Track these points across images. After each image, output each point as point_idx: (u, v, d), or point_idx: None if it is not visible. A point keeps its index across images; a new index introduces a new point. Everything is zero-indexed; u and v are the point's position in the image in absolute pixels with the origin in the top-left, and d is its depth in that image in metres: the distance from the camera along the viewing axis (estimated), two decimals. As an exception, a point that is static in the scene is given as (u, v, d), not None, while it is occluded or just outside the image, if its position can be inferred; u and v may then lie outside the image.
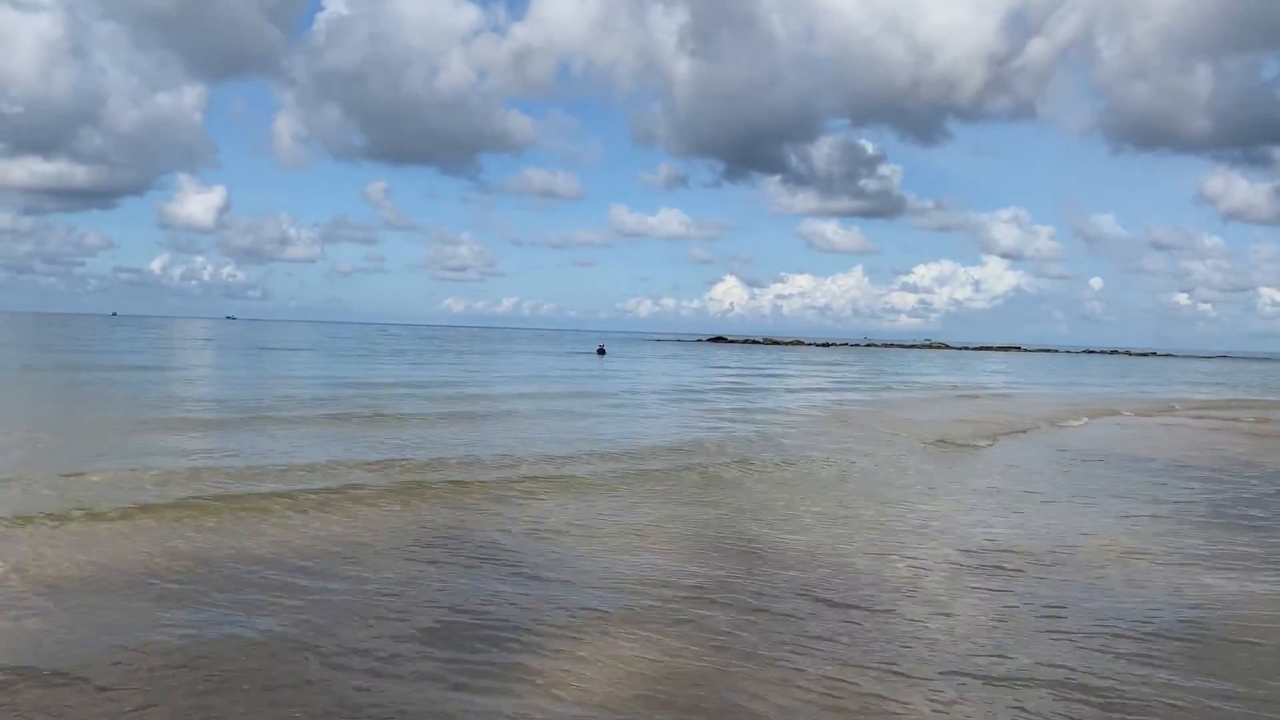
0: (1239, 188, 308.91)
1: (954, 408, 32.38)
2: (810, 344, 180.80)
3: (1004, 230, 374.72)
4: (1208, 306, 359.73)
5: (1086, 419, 29.44)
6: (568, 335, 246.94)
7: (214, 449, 16.38)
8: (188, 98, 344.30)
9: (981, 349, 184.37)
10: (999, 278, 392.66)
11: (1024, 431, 24.98)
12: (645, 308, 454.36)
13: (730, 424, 24.09)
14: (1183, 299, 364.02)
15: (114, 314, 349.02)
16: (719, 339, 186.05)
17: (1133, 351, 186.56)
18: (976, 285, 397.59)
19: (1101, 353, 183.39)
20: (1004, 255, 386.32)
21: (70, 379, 32.17)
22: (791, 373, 60.22)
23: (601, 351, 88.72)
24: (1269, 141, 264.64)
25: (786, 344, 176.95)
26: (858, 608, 8.05)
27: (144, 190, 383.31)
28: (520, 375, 46.22)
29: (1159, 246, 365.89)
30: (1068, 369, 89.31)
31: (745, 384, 45.09)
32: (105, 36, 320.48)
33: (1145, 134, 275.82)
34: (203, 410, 23.24)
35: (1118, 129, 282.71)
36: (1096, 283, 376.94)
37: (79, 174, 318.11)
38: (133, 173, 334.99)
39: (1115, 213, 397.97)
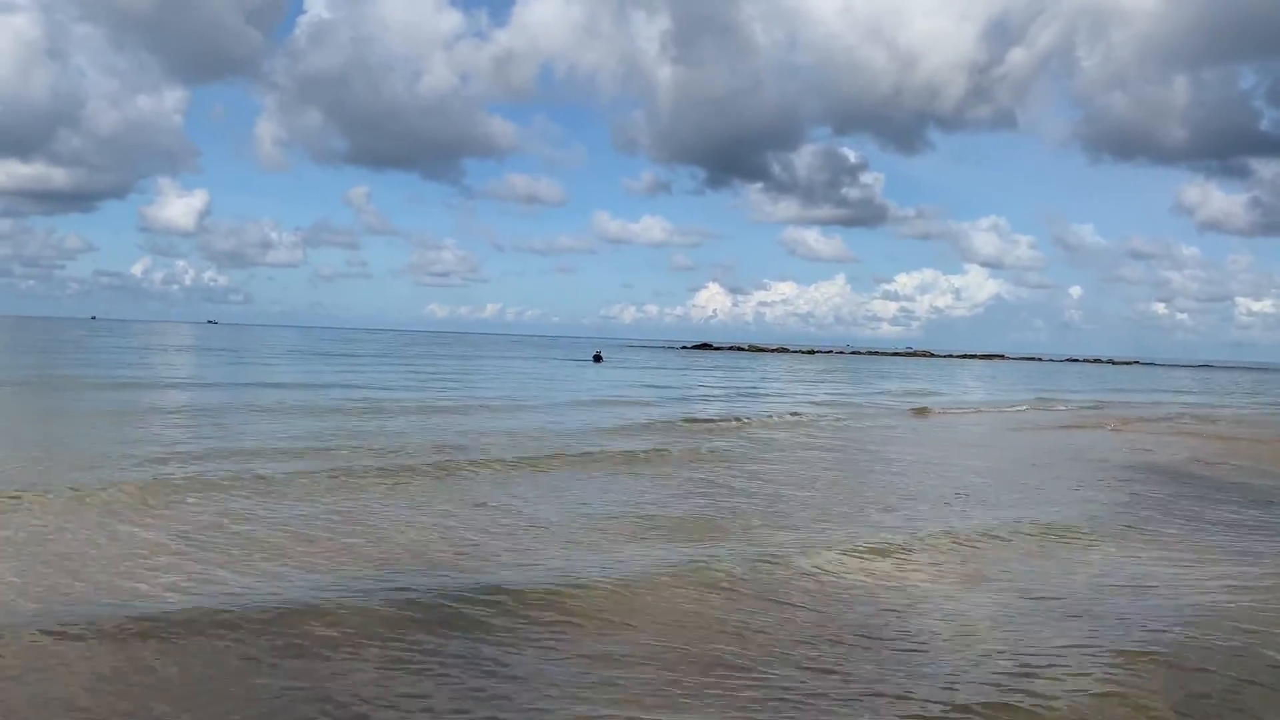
0: (1215, 198, 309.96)
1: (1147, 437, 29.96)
2: (795, 351, 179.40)
3: (984, 239, 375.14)
4: (1185, 316, 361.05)
5: None
6: (553, 341, 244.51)
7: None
8: (168, 100, 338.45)
9: (965, 357, 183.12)
10: (980, 286, 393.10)
11: None
12: (629, 314, 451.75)
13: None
14: (1161, 308, 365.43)
15: (93, 318, 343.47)
16: (704, 345, 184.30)
17: (1115, 360, 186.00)
18: (957, 293, 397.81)
19: (1084, 361, 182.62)
20: (984, 264, 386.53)
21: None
22: (815, 379, 58.18)
23: (598, 358, 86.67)
24: (1245, 153, 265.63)
25: (771, 351, 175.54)
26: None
27: (124, 193, 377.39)
28: (570, 391, 43.75)
29: (1137, 256, 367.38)
30: (1098, 378, 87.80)
31: (841, 398, 42.86)
32: (83, 38, 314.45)
33: (1124, 144, 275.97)
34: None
35: (1096, 139, 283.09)
36: (1076, 291, 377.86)
37: (58, 176, 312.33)
38: (113, 175, 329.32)
39: (1094, 222, 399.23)
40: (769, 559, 9.65)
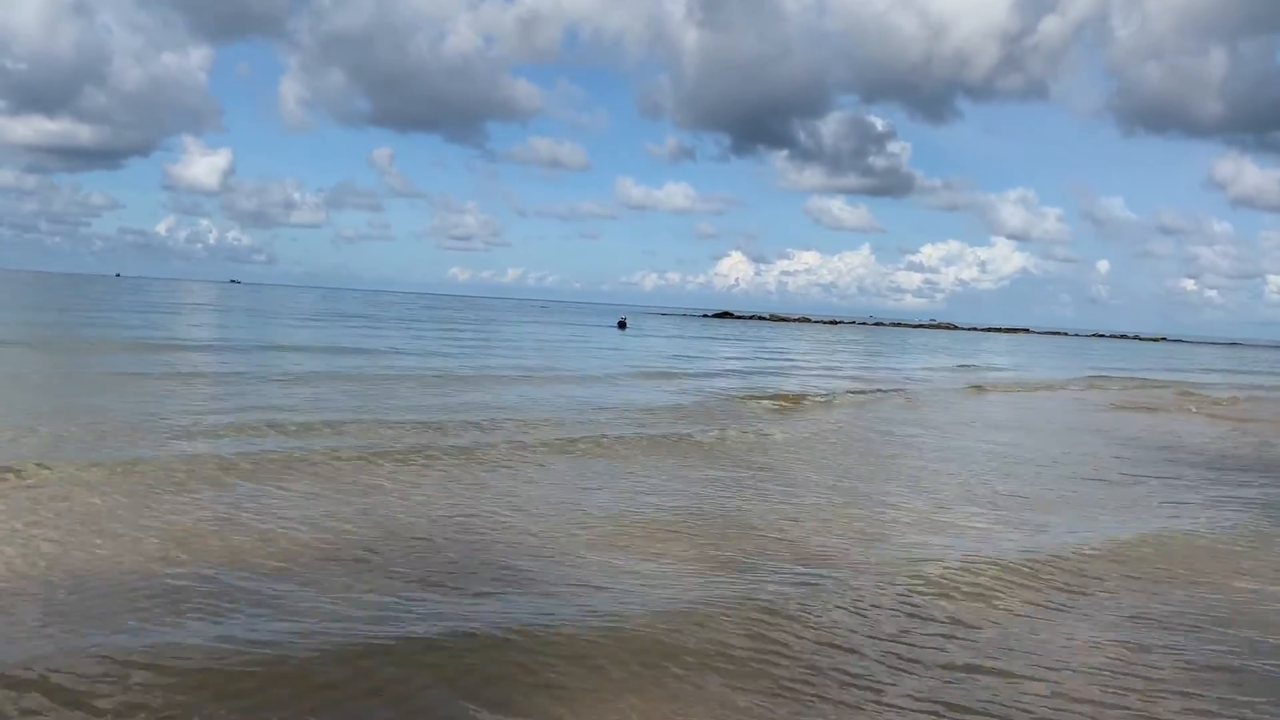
0: (1249, 173, 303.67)
1: None
2: (817, 321, 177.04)
3: (1011, 211, 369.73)
4: (1214, 293, 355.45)
5: None
6: (575, 307, 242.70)
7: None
8: (193, 58, 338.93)
9: (989, 330, 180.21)
10: (1006, 259, 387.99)
11: None
12: (650, 281, 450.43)
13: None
14: (1190, 285, 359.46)
15: (118, 275, 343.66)
16: (725, 314, 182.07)
17: (1142, 336, 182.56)
18: (983, 266, 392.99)
19: (1110, 337, 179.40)
20: (1011, 236, 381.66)
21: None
22: (871, 352, 56.19)
23: (623, 325, 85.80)
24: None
25: (793, 321, 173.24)
26: None
27: (149, 151, 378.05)
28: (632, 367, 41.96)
29: (1167, 231, 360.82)
30: (1135, 354, 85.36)
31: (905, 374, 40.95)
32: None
33: (1157, 116, 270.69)
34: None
35: (1129, 111, 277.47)
36: (1103, 266, 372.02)
37: (83, 133, 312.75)
38: (138, 133, 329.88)
39: (1124, 196, 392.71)
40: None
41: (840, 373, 37.72)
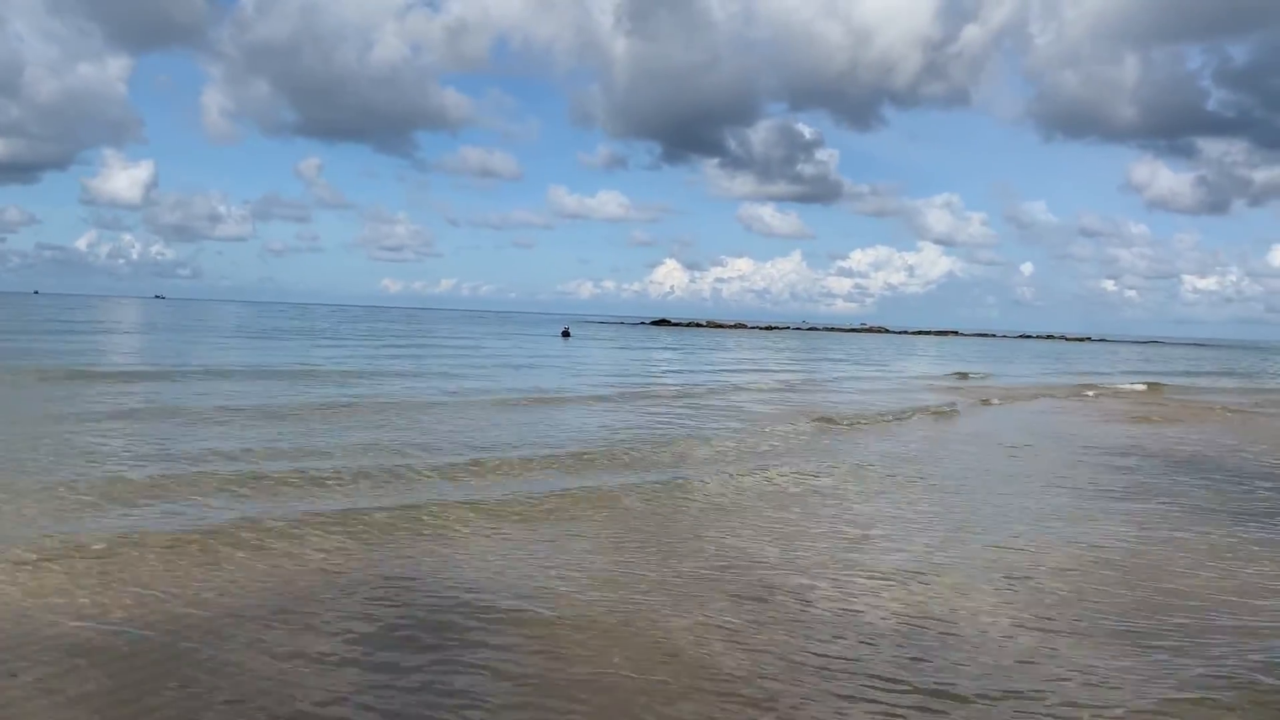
0: (1164, 177, 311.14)
1: None
2: (753, 327, 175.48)
3: (938, 216, 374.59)
4: (1133, 293, 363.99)
5: None
6: (510, 317, 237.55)
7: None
8: (111, 69, 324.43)
9: (919, 333, 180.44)
10: (933, 263, 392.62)
11: None
12: (586, 290, 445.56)
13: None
14: (1110, 285, 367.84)
15: (36, 292, 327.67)
16: (662, 322, 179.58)
17: (1067, 336, 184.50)
18: (911, 270, 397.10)
19: (1037, 337, 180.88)
20: (938, 241, 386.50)
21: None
22: (842, 359, 53.39)
23: (566, 334, 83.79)
24: (1192, 132, 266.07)
25: (729, 327, 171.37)
26: None
27: (66, 164, 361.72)
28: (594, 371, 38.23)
29: (1087, 233, 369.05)
30: (1078, 356, 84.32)
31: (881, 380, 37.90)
32: (20, 3, 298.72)
33: (1075, 122, 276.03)
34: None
35: (1048, 116, 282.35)
36: (1027, 268, 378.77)
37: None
38: (54, 146, 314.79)
39: (1046, 199, 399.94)
40: None
41: (860, 384, 34.73)
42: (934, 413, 23.56)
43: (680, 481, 12.59)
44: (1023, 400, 30.30)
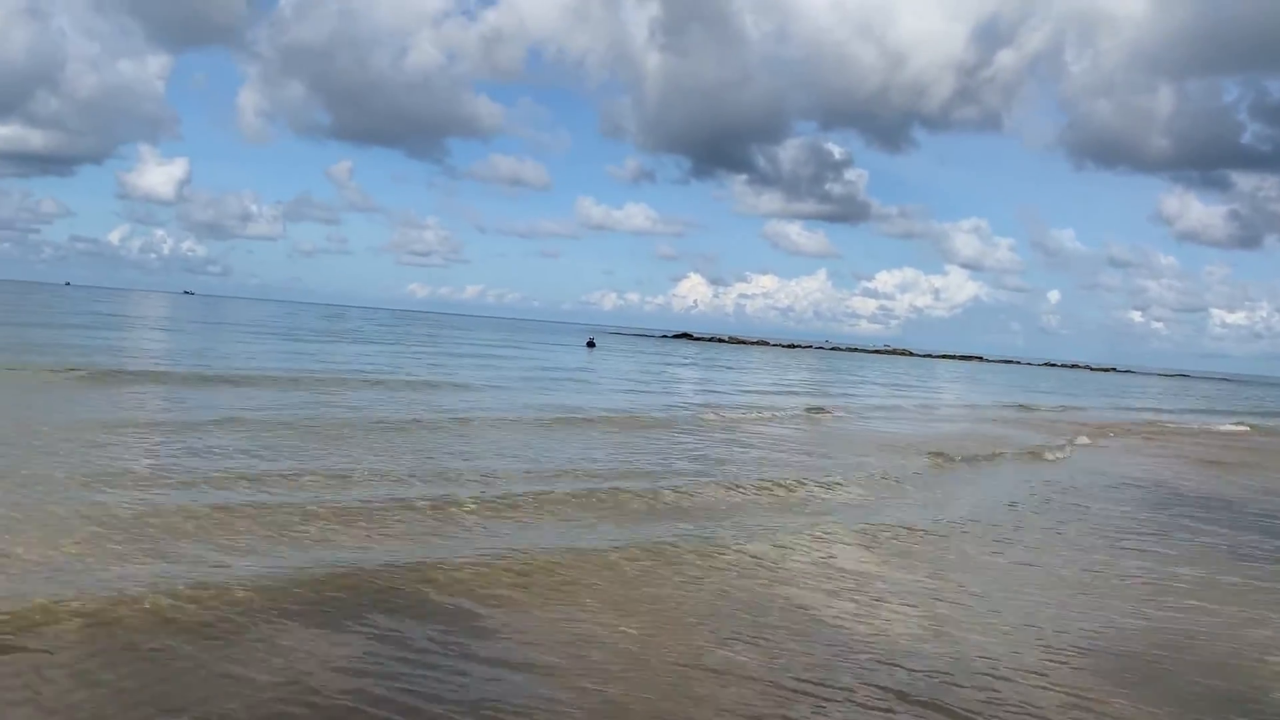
0: (1194, 209, 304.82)
1: None
2: (775, 345, 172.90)
3: (965, 240, 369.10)
4: (1160, 325, 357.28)
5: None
6: (536, 326, 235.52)
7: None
8: (150, 66, 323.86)
9: (943, 357, 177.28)
10: (959, 287, 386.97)
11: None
12: (610, 301, 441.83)
13: None
14: (1137, 316, 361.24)
15: (67, 284, 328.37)
16: (684, 335, 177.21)
17: (1092, 366, 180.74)
18: (937, 294, 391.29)
19: (1061, 366, 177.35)
20: (964, 265, 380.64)
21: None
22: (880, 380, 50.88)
23: (591, 345, 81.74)
24: (1226, 165, 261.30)
25: (752, 343, 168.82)
26: None
27: (103, 159, 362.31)
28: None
29: (1116, 263, 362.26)
30: (1123, 387, 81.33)
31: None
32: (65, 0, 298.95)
33: (1107, 151, 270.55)
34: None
35: (1080, 144, 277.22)
36: (1054, 296, 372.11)
37: (35, 138, 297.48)
38: (92, 140, 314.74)
39: (1074, 228, 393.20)
40: None
41: (929, 413, 32.21)
42: (1030, 452, 21.07)
43: (870, 527, 10.23)
44: (1118, 436, 27.68)
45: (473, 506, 10.59)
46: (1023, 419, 32.83)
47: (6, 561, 7.31)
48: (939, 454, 18.80)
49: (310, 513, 9.66)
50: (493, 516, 10.28)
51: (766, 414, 26.00)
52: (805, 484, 14.05)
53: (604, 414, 22.03)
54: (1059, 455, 20.90)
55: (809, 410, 28.04)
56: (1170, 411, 48.20)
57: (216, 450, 12.99)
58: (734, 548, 9.52)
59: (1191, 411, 50.39)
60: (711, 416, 24.08)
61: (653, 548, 9.25)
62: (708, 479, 13.71)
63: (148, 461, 11.93)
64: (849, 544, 10.23)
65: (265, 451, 13.21)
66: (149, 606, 6.43)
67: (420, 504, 10.46)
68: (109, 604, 6.39)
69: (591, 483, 12.64)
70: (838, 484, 14.43)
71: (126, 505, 9.31)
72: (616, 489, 12.19)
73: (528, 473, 13.22)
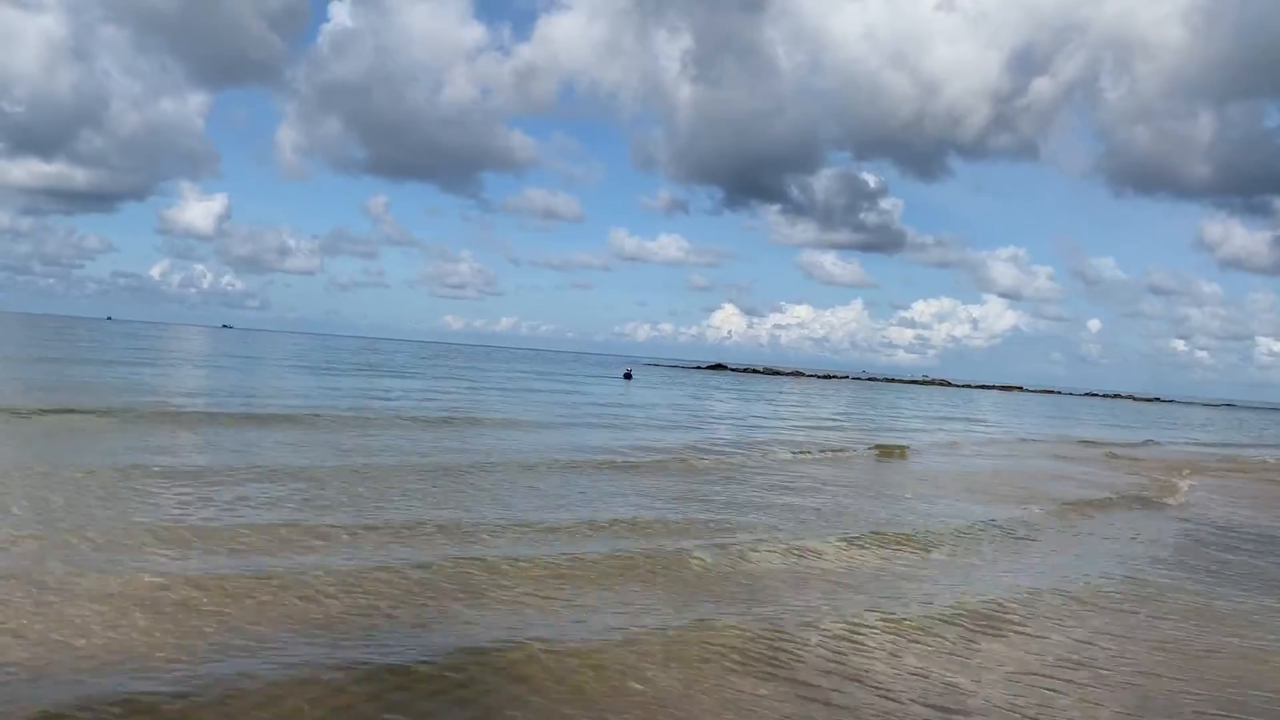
0: (1237, 235, 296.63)
1: None
2: (810, 375, 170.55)
3: (1003, 269, 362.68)
4: (1205, 354, 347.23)
5: None
6: (571, 357, 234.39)
7: None
8: (190, 104, 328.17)
9: (983, 387, 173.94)
10: (997, 316, 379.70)
11: None
12: (643, 332, 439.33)
13: None
14: (1180, 345, 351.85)
15: (109, 318, 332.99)
16: (718, 366, 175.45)
17: (1136, 396, 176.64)
18: (975, 323, 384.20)
19: (1103, 396, 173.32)
20: (1002, 294, 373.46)
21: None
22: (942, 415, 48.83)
23: (628, 376, 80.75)
24: (1269, 190, 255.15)
25: (787, 374, 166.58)
26: None
27: (145, 195, 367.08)
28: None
29: (1157, 291, 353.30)
30: (1177, 418, 78.42)
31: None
32: (108, 39, 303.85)
33: (1146, 178, 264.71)
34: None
35: (1119, 172, 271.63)
36: (1094, 325, 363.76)
37: (79, 176, 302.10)
38: (134, 177, 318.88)
39: (1115, 256, 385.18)
40: None
41: (1005, 448, 30.20)
42: (1138, 497, 19.05)
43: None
44: (1217, 475, 25.50)
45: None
46: (1096, 456, 30.68)
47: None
48: (1045, 499, 16.92)
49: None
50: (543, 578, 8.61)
51: (834, 453, 24.17)
52: (922, 540, 12.24)
53: (654, 457, 20.34)
54: (1174, 500, 18.87)
55: (877, 448, 26.17)
56: (1250, 446, 45.62)
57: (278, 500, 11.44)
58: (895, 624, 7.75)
59: (1267, 446, 47.75)
60: (786, 455, 22.33)
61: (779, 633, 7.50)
62: (830, 531, 11.93)
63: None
64: (1044, 627, 8.41)
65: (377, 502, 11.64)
66: None
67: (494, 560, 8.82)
68: None
69: (654, 539, 10.93)
70: (962, 536, 12.63)
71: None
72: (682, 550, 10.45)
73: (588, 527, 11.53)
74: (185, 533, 9.65)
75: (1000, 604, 9.07)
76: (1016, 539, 13.24)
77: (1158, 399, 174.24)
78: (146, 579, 7.75)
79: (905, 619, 8.25)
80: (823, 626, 7.85)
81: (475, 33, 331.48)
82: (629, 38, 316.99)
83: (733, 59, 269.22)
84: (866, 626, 7.95)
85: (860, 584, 9.71)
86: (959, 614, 8.57)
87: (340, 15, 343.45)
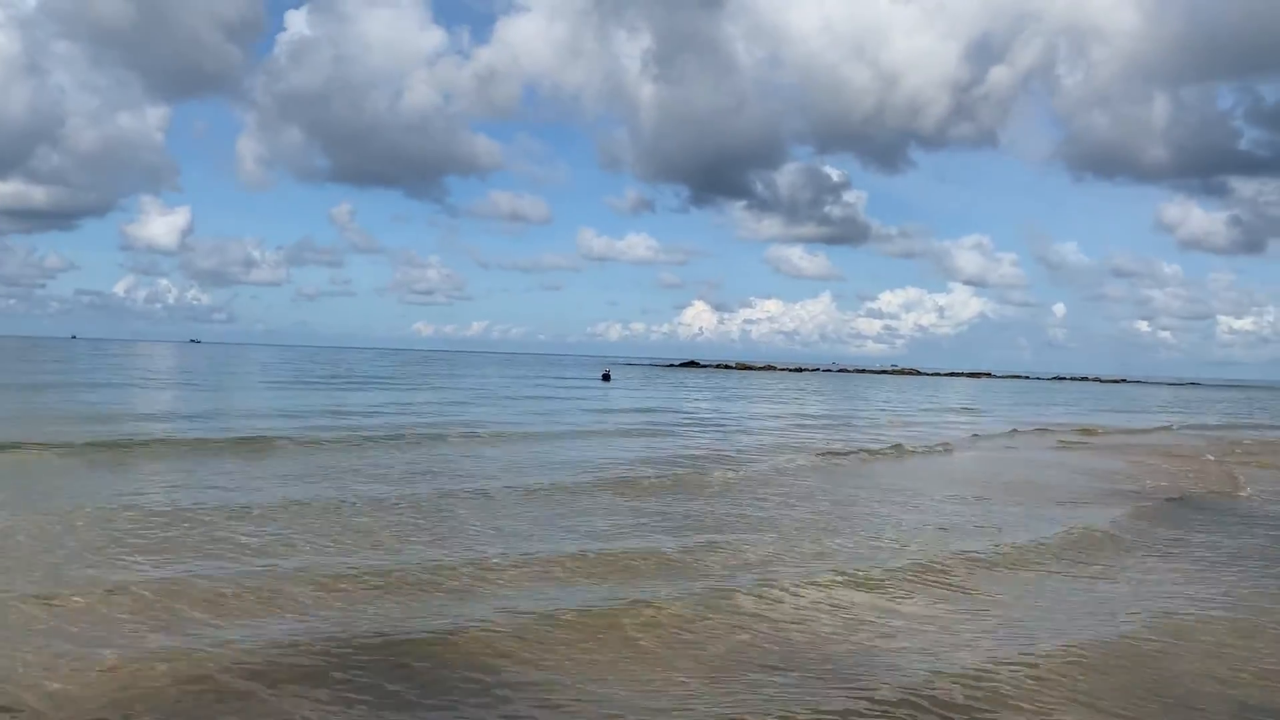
0: (1196, 217, 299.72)
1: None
2: (782, 369, 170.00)
3: (967, 257, 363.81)
4: (1168, 334, 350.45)
5: None
6: (543, 359, 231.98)
7: None
8: (149, 118, 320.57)
9: (951, 375, 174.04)
10: (964, 304, 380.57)
11: None
12: (615, 332, 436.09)
13: None
14: (1143, 326, 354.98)
15: (73, 337, 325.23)
16: (691, 363, 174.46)
17: (1102, 379, 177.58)
18: (941, 312, 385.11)
19: (1070, 379, 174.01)
20: (968, 282, 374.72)
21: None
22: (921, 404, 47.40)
23: (607, 377, 79.38)
24: (1225, 171, 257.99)
25: (759, 369, 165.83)
26: None
27: (105, 211, 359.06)
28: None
29: (1120, 274, 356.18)
30: (1135, 398, 77.88)
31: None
32: (63, 55, 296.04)
33: (1105, 162, 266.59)
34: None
35: (1078, 157, 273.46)
36: (1059, 309, 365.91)
37: (37, 194, 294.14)
38: (94, 193, 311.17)
39: (1077, 240, 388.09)
40: None
41: (1014, 439, 28.69)
42: (1212, 491, 17.56)
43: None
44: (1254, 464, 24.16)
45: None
46: (1116, 445, 29.33)
47: None
48: (1118, 498, 15.37)
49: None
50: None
51: (859, 455, 22.53)
52: (991, 559, 10.51)
53: (659, 472, 18.57)
54: (1249, 491, 17.47)
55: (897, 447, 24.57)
56: (1254, 427, 44.75)
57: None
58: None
59: (1269, 427, 46.91)
60: (803, 461, 20.62)
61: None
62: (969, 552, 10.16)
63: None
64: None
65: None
66: None
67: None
68: None
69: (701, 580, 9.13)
70: (1043, 548, 10.95)
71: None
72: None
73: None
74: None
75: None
76: (1123, 550, 11.66)
77: (1124, 380, 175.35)
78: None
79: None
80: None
81: (434, 37, 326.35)
82: (589, 38, 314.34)
83: (693, 57, 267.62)
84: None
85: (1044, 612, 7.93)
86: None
87: (297, 24, 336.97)
